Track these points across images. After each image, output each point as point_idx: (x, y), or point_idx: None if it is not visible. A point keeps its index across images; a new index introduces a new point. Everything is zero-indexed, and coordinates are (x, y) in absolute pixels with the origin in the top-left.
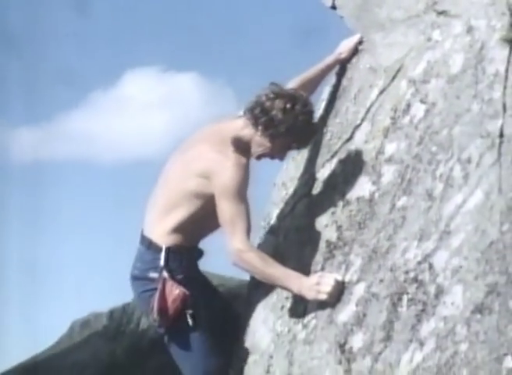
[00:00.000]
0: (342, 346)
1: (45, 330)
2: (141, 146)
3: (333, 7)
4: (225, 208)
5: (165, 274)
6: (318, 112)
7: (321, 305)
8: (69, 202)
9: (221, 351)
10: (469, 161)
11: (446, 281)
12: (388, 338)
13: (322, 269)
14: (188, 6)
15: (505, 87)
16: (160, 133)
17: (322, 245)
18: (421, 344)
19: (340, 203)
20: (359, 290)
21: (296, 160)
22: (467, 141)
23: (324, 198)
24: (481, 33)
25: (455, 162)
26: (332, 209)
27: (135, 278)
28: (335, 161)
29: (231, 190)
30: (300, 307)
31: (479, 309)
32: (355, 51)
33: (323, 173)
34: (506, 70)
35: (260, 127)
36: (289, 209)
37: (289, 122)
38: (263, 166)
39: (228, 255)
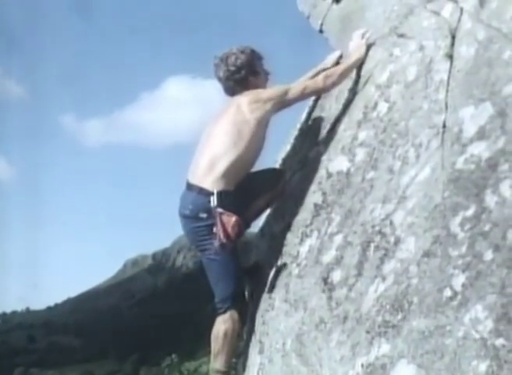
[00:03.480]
0: (325, 280)
1: (104, 267)
2: (179, 134)
3: (321, 31)
4: (277, 94)
5: (219, 210)
6: (309, 108)
7: (310, 251)
8: (130, 175)
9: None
10: (420, 145)
11: (403, 233)
12: (359, 274)
13: (310, 224)
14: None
15: (447, 91)
16: (192, 125)
17: (311, 206)
18: (384, 278)
19: (325, 175)
20: (338, 239)
21: (292, 144)
22: (419, 130)
23: (313, 171)
24: (429, 51)
25: (410, 146)
26: (318, 180)
27: (186, 217)
28: (321, 144)
29: (265, 92)
30: (294, 252)
31: (427, 254)
32: (336, 64)
33: (312, 153)
34: (448, 78)
35: (240, 83)
36: (287, 179)
37: (245, 64)
38: (268, 147)
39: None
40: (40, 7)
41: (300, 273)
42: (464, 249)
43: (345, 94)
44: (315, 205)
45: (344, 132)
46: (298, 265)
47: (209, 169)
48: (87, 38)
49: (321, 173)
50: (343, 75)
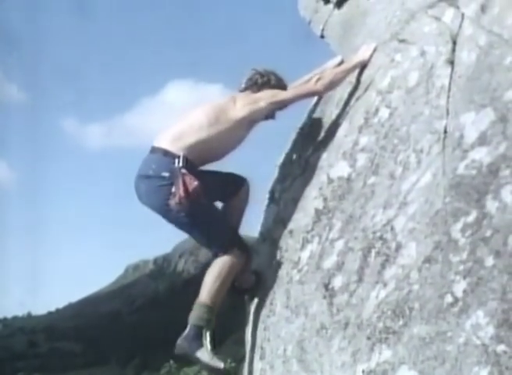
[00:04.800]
0: (326, 286)
1: (105, 272)
2: None
3: (322, 36)
4: (269, 94)
5: (184, 170)
6: (310, 113)
7: (311, 256)
8: (131, 180)
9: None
10: (421, 151)
11: (404, 239)
12: (360, 280)
13: (312, 229)
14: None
15: (448, 97)
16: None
17: (312, 212)
18: (385, 284)
19: (326, 181)
20: (339, 245)
21: (293, 149)
22: (420, 136)
23: (314, 177)
24: (431, 56)
25: (411, 151)
26: (319, 185)
27: (148, 177)
28: (322, 150)
29: (259, 93)
30: (295, 257)
31: (428, 260)
32: None
33: (313, 158)
34: (449, 84)
35: (257, 86)
36: (288, 185)
37: (274, 84)
38: (268, 151)
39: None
40: (42, 12)
41: (301, 278)
42: (465, 255)
43: (346, 100)
44: (316, 210)
45: (345, 137)
46: (299, 271)
47: (178, 138)
48: (88, 43)
49: (322, 178)
50: (338, 78)
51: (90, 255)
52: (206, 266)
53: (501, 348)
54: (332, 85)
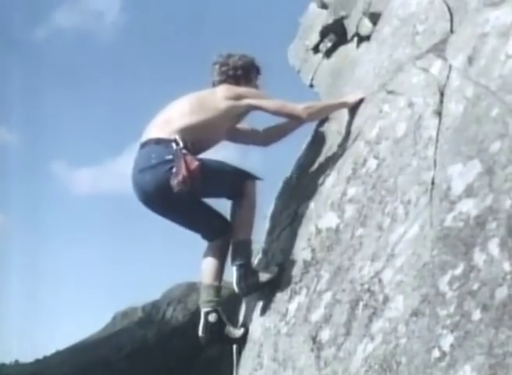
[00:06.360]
0: (314, 338)
1: (94, 320)
2: None
3: (311, 85)
4: (253, 94)
5: (184, 151)
6: (298, 163)
7: (299, 308)
8: (123, 224)
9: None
10: (409, 202)
11: (391, 292)
12: (348, 333)
13: (300, 281)
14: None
15: (436, 148)
16: None
17: (300, 263)
18: (372, 338)
19: (314, 232)
20: (327, 297)
21: (281, 199)
22: (407, 187)
23: (302, 227)
24: (418, 108)
25: (399, 203)
26: (307, 236)
27: (152, 166)
28: (311, 200)
29: (243, 89)
30: (283, 309)
31: (415, 313)
32: (326, 119)
33: (302, 208)
34: (437, 135)
35: (230, 80)
36: (276, 236)
37: (244, 67)
38: (259, 201)
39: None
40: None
41: (289, 331)
42: (452, 308)
43: (334, 150)
44: (304, 261)
45: (333, 188)
46: (287, 323)
47: (165, 125)
48: (76, 92)
49: (311, 229)
50: (323, 111)
51: (79, 301)
52: (195, 313)
53: None
54: (316, 118)
